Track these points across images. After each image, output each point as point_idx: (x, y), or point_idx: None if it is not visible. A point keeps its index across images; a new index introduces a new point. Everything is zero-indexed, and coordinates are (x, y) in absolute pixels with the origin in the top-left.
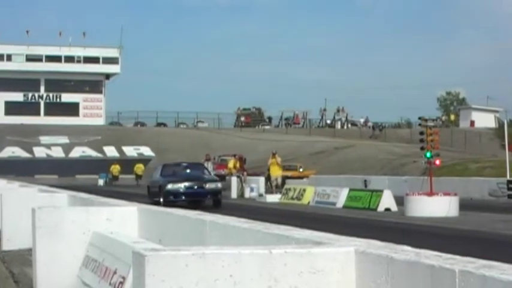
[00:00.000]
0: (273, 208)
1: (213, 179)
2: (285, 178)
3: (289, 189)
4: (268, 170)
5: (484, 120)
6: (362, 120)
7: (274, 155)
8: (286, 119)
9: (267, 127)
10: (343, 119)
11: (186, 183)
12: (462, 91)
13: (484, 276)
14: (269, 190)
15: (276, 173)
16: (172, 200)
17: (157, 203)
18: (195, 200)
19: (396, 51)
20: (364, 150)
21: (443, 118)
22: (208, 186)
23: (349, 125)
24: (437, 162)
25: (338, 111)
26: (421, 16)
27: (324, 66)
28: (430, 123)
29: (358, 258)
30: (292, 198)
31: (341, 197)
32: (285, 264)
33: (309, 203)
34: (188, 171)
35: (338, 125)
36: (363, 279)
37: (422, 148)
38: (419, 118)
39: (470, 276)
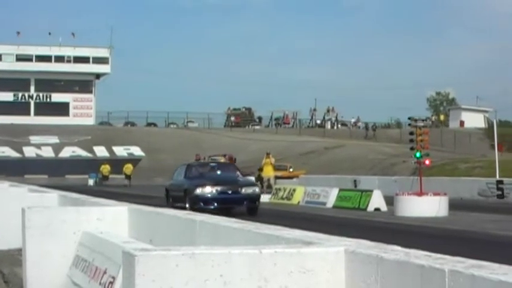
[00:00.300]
0: (263, 208)
1: (249, 183)
2: (275, 178)
3: (279, 189)
4: (260, 170)
5: (474, 121)
6: (353, 120)
7: (268, 155)
8: (276, 119)
9: (257, 127)
10: (333, 119)
11: (219, 187)
12: (452, 91)
13: (473, 276)
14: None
15: (269, 173)
16: (202, 207)
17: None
18: (227, 207)
19: (386, 52)
20: (354, 150)
21: (433, 118)
22: (244, 191)
23: (339, 125)
24: (427, 162)
25: (328, 111)
26: (411, 16)
27: (313, 66)
28: (420, 124)
29: (348, 258)
30: (282, 198)
31: (331, 197)
32: (274, 264)
33: (298, 202)
34: (219, 172)
35: (328, 125)
36: (353, 279)
37: (412, 148)
38: (409, 118)
39: (459, 276)
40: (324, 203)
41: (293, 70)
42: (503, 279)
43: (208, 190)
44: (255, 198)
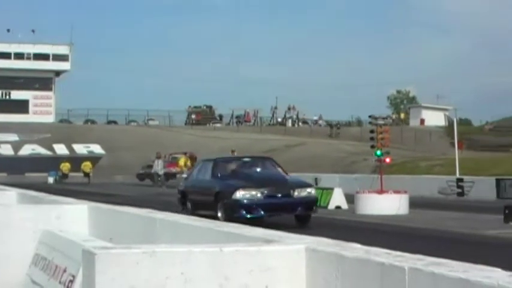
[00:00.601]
0: None
1: (302, 183)
2: None
3: None
4: None
5: (434, 119)
6: (315, 118)
7: (233, 152)
8: (237, 117)
9: (218, 125)
10: (294, 117)
11: (265, 190)
12: (412, 90)
13: (433, 274)
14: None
15: None
16: (243, 216)
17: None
18: (275, 216)
19: (347, 50)
20: (315, 148)
21: (394, 116)
22: (297, 193)
23: (300, 123)
24: (388, 160)
25: (289, 109)
26: (372, 15)
27: (274, 64)
28: (381, 122)
29: (308, 256)
30: None
31: None
32: (235, 262)
33: None
34: (258, 169)
35: (289, 123)
36: (313, 277)
37: (372, 146)
38: (370, 116)
39: (419, 273)
40: None
41: (254, 68)
42: (463, 276)
43: (252, 193)
44: (311, 203)
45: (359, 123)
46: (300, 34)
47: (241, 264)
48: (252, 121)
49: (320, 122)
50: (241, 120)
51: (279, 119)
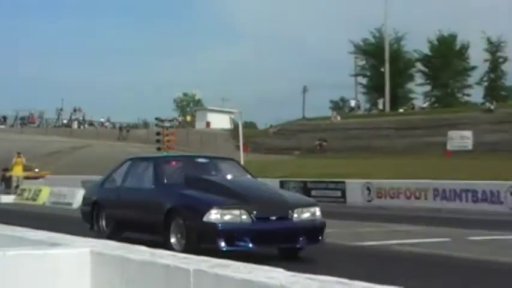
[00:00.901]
0: (7, 209)
1: (304, 201)
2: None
3: (25, 189)
4: (6, 169)
5: (220, 122)
6: (102, 120)
7: (19, 154)
8: (21, 118)
9: (2, 126)
10: (80, 119)
11: (253, 209)
12: (198, 92)
13: (217, 275)
14: (6, 191)
15: (19, 172)
16: (220, 248)
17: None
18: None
19: (133, 51)
20: (101, 150)
21: (180, 119)
22: (297, 215)
23: (86, 125)
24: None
25: (75, 110)
26: (158, 16)
27: (60, 64)
28: (167, 124)
29: (93, 259)
30: (27, 199)
31: (77, 197)
32: (19, 265)
33: (44, 203)
34: (229, 176)
35: (75, 125)
36: (99, 280)
37: (159, 148)
38: (156, 119)
39: (204, 275)
40: (71, 204)
41: (38, 68)
42: (247, 277)
43: (235, 213)
44: (318, 230)
45: (146, 125)
46: (88, 34)
47: (26, 268)
48: (37, 123)
49: (107, 124)
50: (25, 121)
51: (65, 121)
